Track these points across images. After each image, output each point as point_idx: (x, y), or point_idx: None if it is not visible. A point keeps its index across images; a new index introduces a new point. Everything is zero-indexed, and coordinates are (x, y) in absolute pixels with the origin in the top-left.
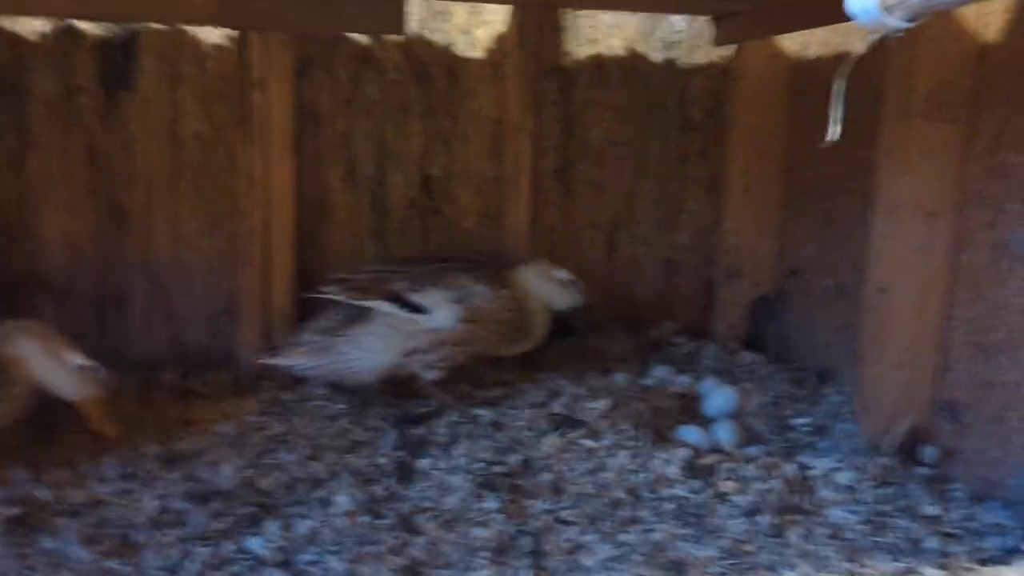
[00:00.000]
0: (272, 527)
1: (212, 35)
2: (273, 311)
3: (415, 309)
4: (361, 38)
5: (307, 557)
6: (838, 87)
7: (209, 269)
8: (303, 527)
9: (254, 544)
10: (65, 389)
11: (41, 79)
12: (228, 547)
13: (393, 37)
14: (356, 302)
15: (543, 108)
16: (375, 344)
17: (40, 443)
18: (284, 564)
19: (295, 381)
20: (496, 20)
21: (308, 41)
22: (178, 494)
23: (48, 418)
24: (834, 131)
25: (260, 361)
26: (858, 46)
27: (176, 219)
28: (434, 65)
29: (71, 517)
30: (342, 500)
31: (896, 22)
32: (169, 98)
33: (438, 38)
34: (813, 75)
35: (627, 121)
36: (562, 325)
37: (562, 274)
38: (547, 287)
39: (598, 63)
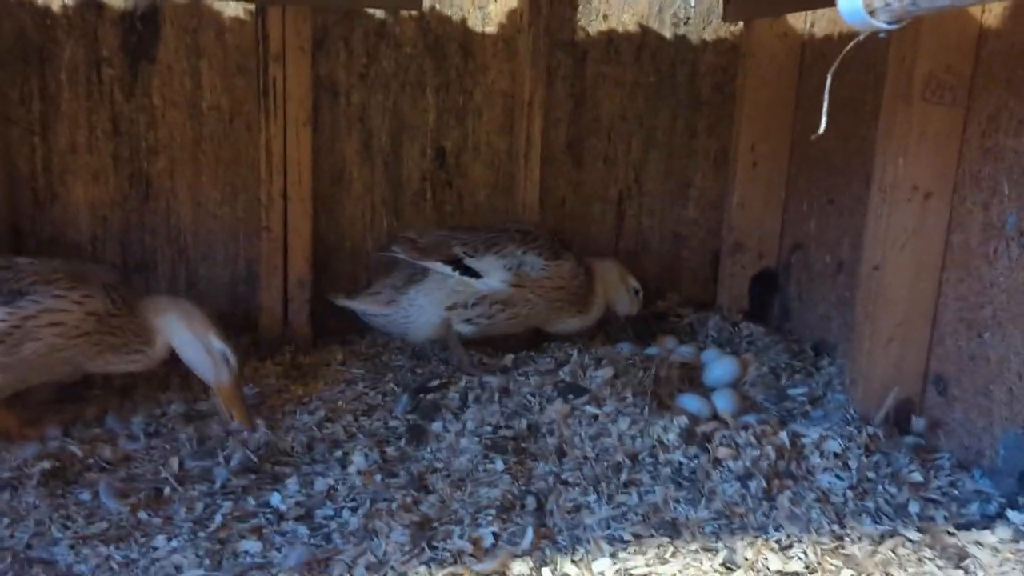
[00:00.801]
0: (292, 484)
1: (232, 8)
2: (291, 278)
3: (470, 273)
4: (377, 13)
5: (325, 512)
6: (828, 81)
7: (230, 237)
8: (321, 484)
9: (275, 499)
10: (204, 372)
11: (66, 50)
12: (251, 502)
13: (408, 12)
14: (417, 261)
15: (555, 83)
16: (424, 300)
17: (71, 401)
18: (303, 518)
19: (313, 345)
20: None
21: (326, 15)
22: (203, 452)
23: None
24: (823, 123)
25: (336, 302)
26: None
27: (198, 188)
28: (448, 40)
29: (102, 472)
30: (358, 460)
31: (880, 24)
32: (190, 70)
33: (452, 13)
34: (820, 53)
35: (637, 96)
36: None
37: (635, 283)
38: (620, 289)
39: (610, 38)
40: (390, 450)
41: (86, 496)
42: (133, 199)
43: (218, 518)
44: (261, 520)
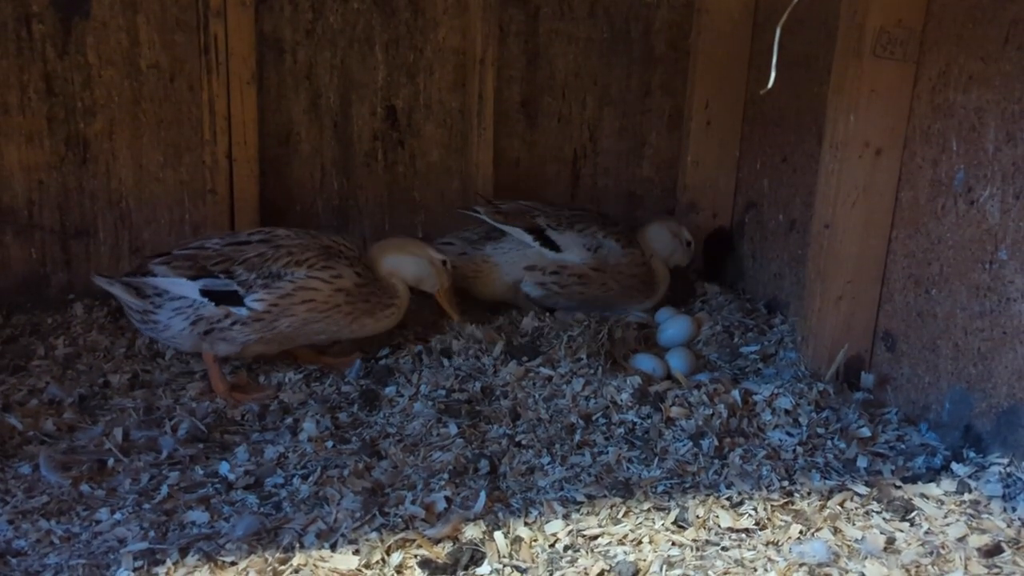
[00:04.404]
0: (241, 453)
1: None
2: None
3: (549, 245)
4: None
5: (275, 480)
6: (778, 34)
7: (174, 201)
8: (271, 452)
9: (223, 469)
10: (429, 283)
11: None
12: (198, 472)
13: None
14: (499, 224)
15: (508, 39)
16: (501, 259)
17: (5, 371)
18: (253, 487)
19: None
20: None
21: None
22: (149, 422)
23: (17, 346)
24: (773, 76)
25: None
26: None
27: (139, 150)
28: None
29: (42, 444)
30: (309, 427)
31: None
32: (127, 26)
33: None
34: (774, 10)
35: (591, 53)
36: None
37: (687, 235)
38: (673, 245)
39: None
40: (342, 416)
41: (26, 469)
42: (70, 162)
43: (164, 489)
44: (209, 490)
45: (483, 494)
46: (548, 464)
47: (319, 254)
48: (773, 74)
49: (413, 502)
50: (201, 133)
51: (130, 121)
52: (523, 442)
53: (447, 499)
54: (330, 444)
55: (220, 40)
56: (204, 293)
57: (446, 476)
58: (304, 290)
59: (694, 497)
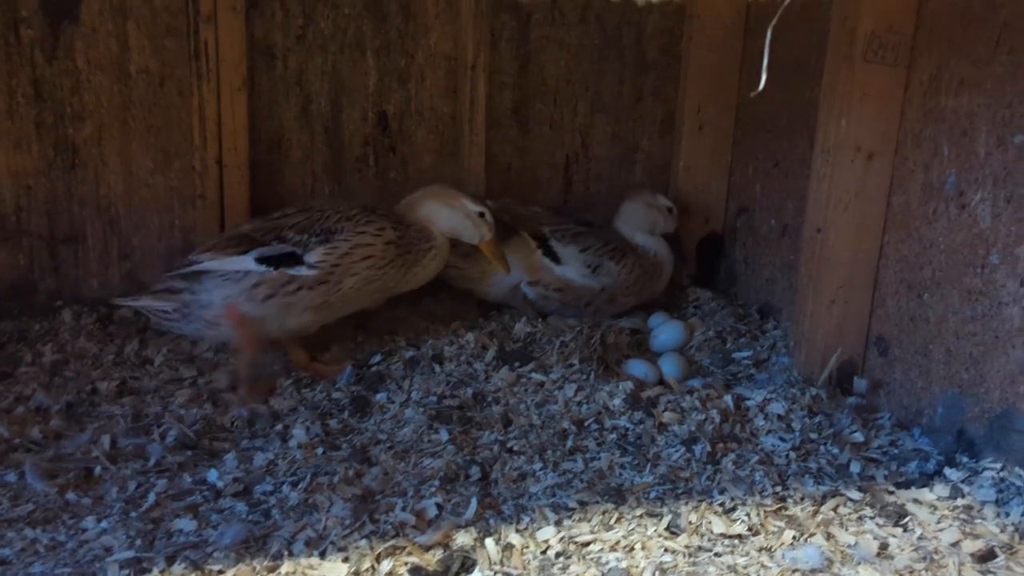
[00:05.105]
0: (230, 460)
1: None
2: None
3: (551, 255)
4: None
5: (264, 488)
6: (768, 37)
7: (164, 207)
8: (261, 459)
9: (212, 476)
10: (467, 234)
11: None
12: (186, 479)
13: None
14: (507, 220)
15: (499, 45)
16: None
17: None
18: (241, 494)
19: None
20: None
21: None
22: (137, 429)
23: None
24: (763, 79)
25: None
26: None
27: (128, 156)
28: (388, 0)
29: (28, 452)
30: (298, 433)
31: None
32: (116, 31)
33: None
34: (766, 14)
35: (583, 59)
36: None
37: (664, 201)
38: (652, 216)
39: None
40: (333, 423)
41: (11, 477)
42: (59, 167)
43: (151, 497)
44: (197, 498)
45: (474, 501)
46: (540, 470)
47: (362, 211)
48: (764, 76)
49: (404, 509)
50: (191, 139)
51: (119, 127)
52: (515, 448)
53: (438, 506)
54: (320, 451)
55: (211, 46)
56: (260, 260)
57: (437, 483)
58: (361, 247)
59: (687, 503)
